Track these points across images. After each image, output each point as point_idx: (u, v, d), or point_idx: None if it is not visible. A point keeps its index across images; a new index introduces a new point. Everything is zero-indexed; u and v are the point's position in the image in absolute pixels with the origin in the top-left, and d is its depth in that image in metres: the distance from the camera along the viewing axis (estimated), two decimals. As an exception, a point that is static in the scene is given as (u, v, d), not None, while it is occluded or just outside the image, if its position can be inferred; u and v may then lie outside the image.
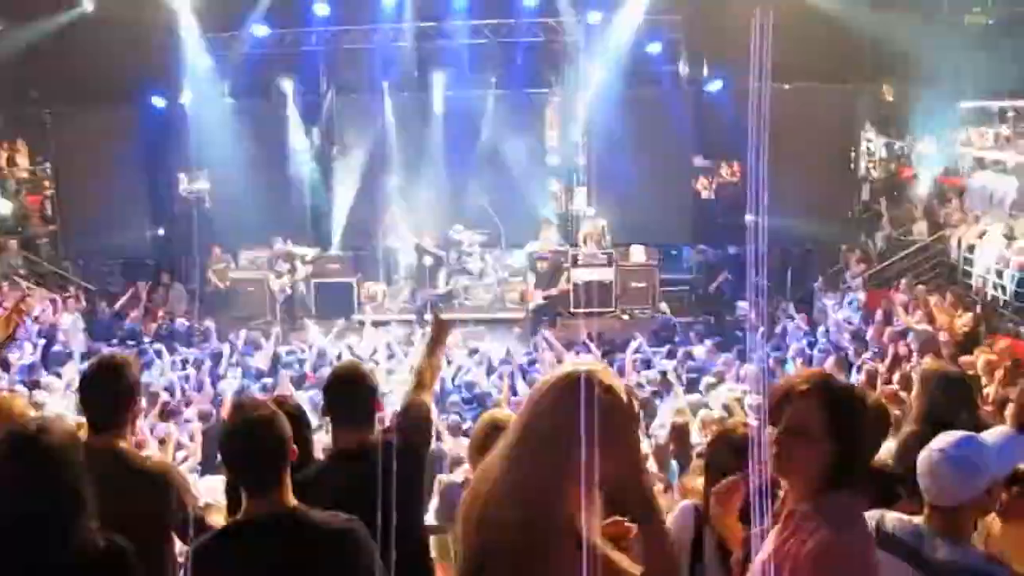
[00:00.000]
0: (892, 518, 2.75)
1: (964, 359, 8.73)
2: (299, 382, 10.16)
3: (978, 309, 11.21)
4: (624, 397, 2.09)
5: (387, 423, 4.44)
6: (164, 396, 9.42)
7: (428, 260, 14.24)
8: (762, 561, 2.38)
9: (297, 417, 3.11)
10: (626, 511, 2.20)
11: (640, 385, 9.59)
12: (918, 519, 2.72)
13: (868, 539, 2.39)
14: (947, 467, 2.66)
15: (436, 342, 3.95)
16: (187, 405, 9.18)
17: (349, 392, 3.42)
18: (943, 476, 2.66)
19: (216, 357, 11.87)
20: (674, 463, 6.66)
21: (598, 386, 2.04)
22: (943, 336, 10.42)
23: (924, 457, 2.73)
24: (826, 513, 2.30)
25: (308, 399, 8.50)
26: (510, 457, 2.09)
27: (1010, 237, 12.14)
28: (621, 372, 10.11)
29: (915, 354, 10.03)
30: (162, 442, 7.38)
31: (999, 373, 7.25)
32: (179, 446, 7.57)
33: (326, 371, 10.76)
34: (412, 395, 3.63)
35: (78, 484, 2.39)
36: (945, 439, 2.72)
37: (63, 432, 2.46)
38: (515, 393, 9.20)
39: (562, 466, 2.01)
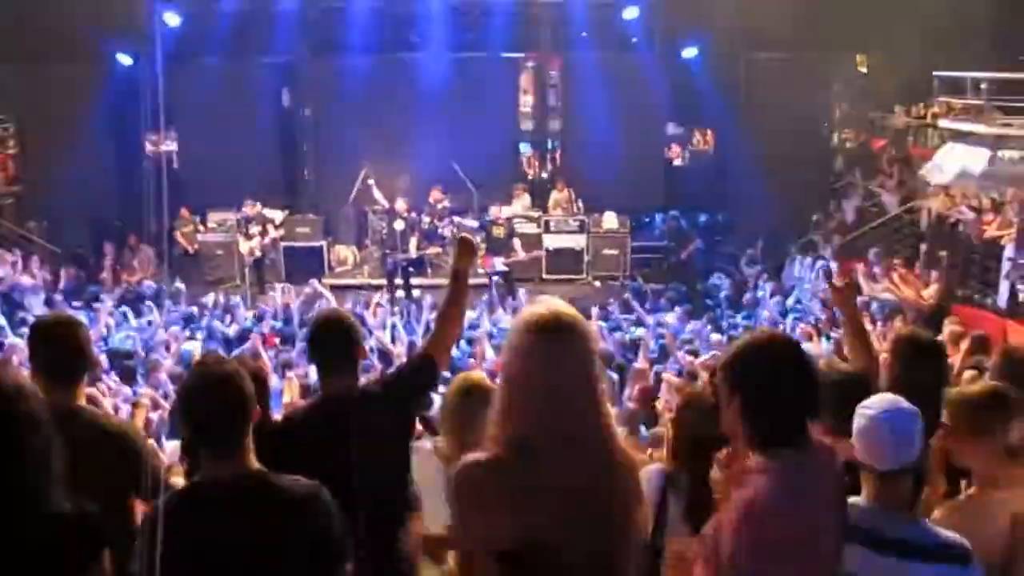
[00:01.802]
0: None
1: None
2: (263, 343, 10.09)
3: (943, 280, 11.30)
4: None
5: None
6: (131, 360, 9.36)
7: (399, 224, 14.12)
8: (710, 525, 2.44)
9: (257, 377, 3.06)
10: None
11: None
12: (858, 497, 2.64)
13: (784, 493, 2.33)
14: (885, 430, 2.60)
15: (459, 275, 3.51)
16: (154, 368, 9.08)
17: (334, 338, 3.38)
18: (882, 440, 2.60)
19: (185, 319, 11.78)
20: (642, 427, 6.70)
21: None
22: (908, 305, 10.54)
23: (858, 422, 2.66)
24: (749, 471, 2.37)
25: (269, 359, 8.55)
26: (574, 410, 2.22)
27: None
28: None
29: (878, 323, 10.14)
30: (135, 405, 7.30)
31: (964, 344, 7.32)
32: (155, 406, 7.49)
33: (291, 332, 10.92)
34: (423, 347, 3.60)
35: (46, 447, 2.29)
36: (879, 403, 2.66)
37: (29, 391, 2.34)
38: (483, 359, 9.16)
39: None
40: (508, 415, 2.23)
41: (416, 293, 13.64)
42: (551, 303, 2.30)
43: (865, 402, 2.68)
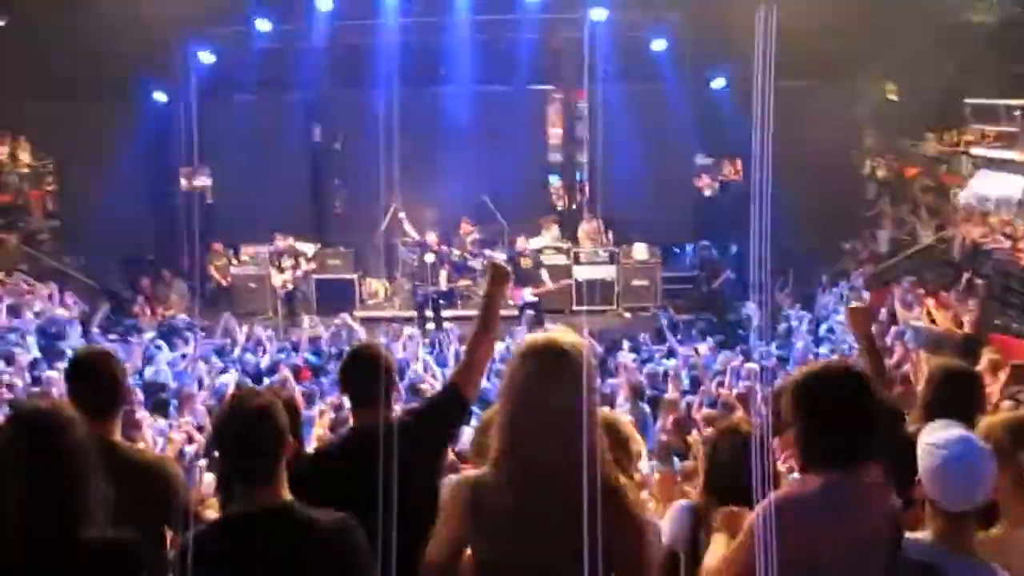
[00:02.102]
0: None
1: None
2: (295, 376, 10.13)
3: (980, 309, 11.13)
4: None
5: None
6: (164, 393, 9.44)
7: (430, 257, 14.18)
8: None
9: (290, 408, 3.07)
10: None
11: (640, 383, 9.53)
12: (923, 533, 2.58)
13: (814, 508, 2.36)
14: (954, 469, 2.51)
15: (491, 302, 3.44)
16: (188, 399, 9.14)
17: (366, 371, 3.37)
18: (955, 481, 2.51)
19: (218, 353, 11.87)
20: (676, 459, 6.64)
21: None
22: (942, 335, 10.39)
23: (929, 460, 2.56)
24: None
25: (298, 391, 8.60)
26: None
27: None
28: (619, 370, 10.10)
29: (913, 352, 9.99)
30: (169, 440, 7.37)
31: (1003, 374, 7.21)
32: (189, 438, 7.54)
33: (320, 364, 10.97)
34: (453, 379, 3.52)
35: (89, 472, 2.36)
36: (949, 439, 2.55)
37: (72, 417, 2.43)
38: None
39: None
40: (498, 435, 2.31)
41: (447, 325, 13.66)
42: (553, 331, 2.34)
43: (934, 438, 2.58)
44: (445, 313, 14.11)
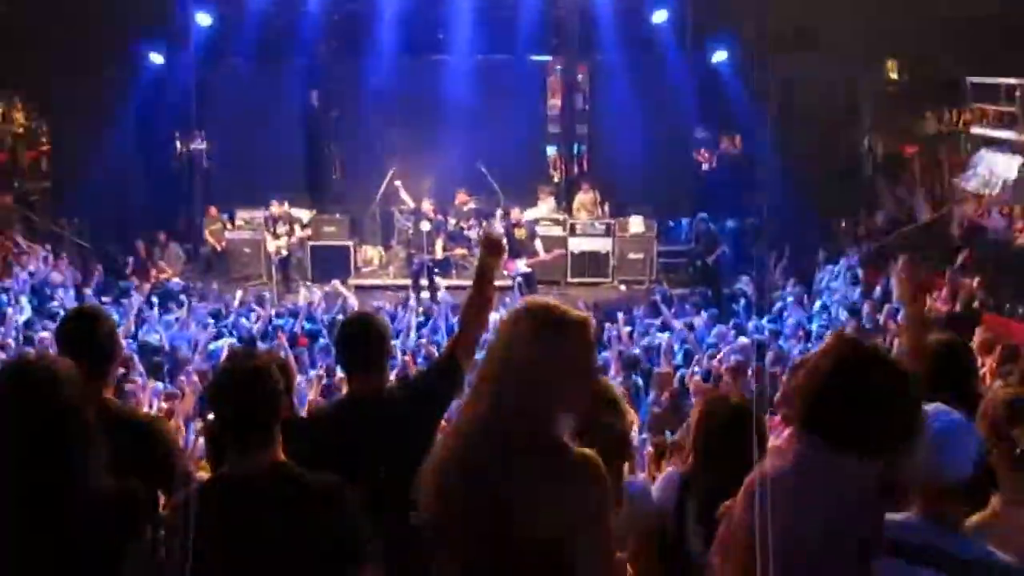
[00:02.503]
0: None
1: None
2: (291, 342, 10.13)
3: (976, 287, 11.16)
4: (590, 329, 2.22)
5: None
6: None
7: (426, 225, 14.15)
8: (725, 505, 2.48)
9: (285, 371, 3.07)
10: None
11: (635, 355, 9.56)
12: (903, 513, 2.52)
13: (793, 473, 2.31)
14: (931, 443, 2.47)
15: (484, 271, 3.46)
16: (182, 363, 9.15)
17: (361, 338, 3.39)
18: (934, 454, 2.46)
19: (213, 316, 11.87)
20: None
21: (571, 320, 2.19)
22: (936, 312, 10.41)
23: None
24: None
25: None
26: (500, 391, 2.15)
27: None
28: (612, 341, 10.13)
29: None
30: (169, 397, 7.39)
31: (995, 353, 7.22)
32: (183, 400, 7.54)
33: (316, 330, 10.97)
34: (449, 348, 3.54)
35: (89, 421, 2.37)
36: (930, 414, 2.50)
37: (72, 369, 2.46)
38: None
39: (552, 395, 2.14)
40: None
41: (441, 294, 13.66)
42: (543, 298, 2.32)
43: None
44: (442, 282, 14.10)
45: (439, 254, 14.23)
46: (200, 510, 2.48)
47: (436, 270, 14.15)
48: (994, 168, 12.53)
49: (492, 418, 2.15)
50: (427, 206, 14.36)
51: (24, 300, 11.46)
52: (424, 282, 14.03)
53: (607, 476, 2.19)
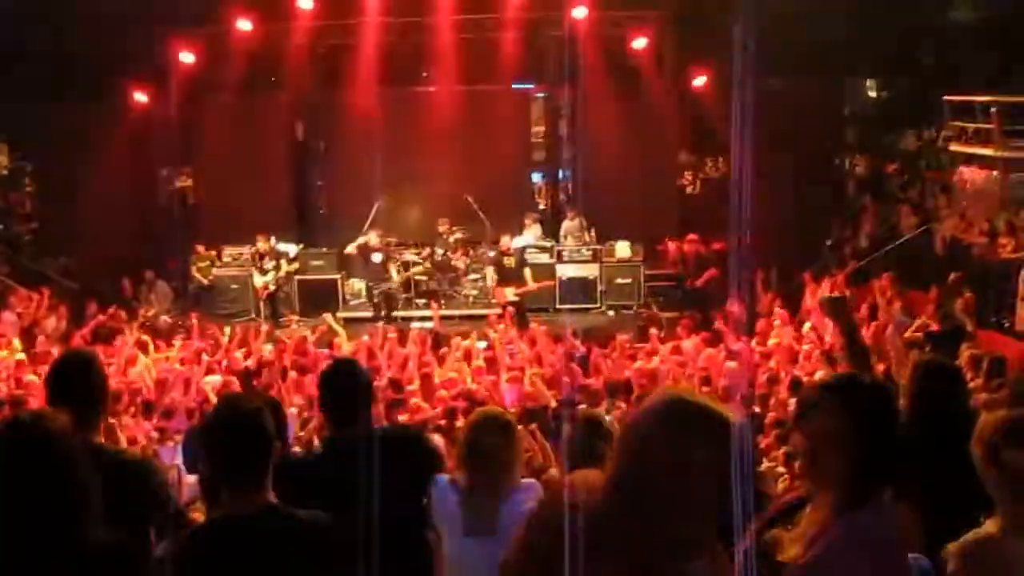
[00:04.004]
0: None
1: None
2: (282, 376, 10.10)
3: (963, 303, 11.23)
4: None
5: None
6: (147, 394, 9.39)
7: (378, 256, 14.29)
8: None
9: (276, 411, 3.10)
10: None
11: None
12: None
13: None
14: None
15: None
16: (171, 402, 9.11)
17: (344, 387, 3.47)
18: None
19: (203, 353, 11.80)
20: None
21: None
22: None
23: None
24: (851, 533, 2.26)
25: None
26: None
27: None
28: (599, 369, 10.16)
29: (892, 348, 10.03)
30: (160, 439, 7.37)
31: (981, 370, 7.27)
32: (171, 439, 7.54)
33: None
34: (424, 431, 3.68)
35: (85, 477, 2.36)
36: None
37: (66, 425, 2.44)
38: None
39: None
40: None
41: (419, 325, 13.58)
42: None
43: None
44: (420, 313, 14.19)
45: (396, 278, 14.36)
46: (197, 552, 2.53)
47: (398, 296, 14.44)
48: (974, 184, 12.66)
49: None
50: (374, 240, 14.44)
51: (16, 342, 11.41)
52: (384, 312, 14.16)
53: None
